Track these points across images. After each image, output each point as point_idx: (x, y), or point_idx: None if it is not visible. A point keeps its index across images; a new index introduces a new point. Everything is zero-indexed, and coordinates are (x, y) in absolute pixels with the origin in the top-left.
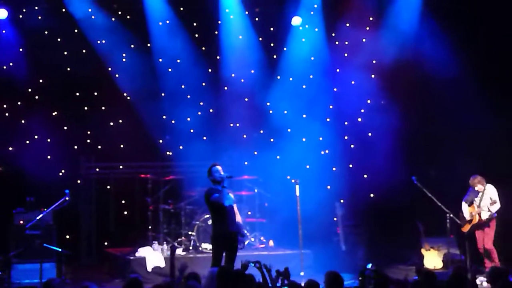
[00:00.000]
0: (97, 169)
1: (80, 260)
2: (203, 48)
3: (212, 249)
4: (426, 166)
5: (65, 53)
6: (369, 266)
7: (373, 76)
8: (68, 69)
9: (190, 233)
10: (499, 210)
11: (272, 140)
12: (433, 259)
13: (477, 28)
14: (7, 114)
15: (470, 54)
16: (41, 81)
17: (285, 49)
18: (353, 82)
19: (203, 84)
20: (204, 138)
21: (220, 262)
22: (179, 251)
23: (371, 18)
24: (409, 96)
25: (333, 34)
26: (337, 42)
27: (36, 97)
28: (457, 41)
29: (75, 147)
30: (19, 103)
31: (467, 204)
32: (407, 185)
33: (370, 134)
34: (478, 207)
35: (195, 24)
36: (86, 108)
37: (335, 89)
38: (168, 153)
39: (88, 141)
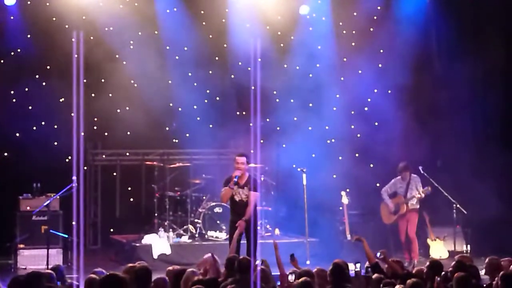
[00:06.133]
0: (104, 156)
1: (86, 247)
2: (210, 36)
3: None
4: (432, 156)
5: (73, 39)
6: (378, 254)
7: (380, 65)
8: (76, 55)
9: (196, 220)
10: None
11: (278, 128)
12: (438, 249)
13: (484, 15)
14: (14, 100)
15: (478, 42)
16: (48, 67)
17: (292, 38)
18: (360, 72)
19: (210, 72)
20: (211, 126)
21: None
22: (184, 239)
23: (379, 8)
24: (416, 85)
25: (341, 23)
26: (344, 31)
27: (44, 83)
28: (465, 29)
29: (82, 133)
30: (26, 89)
31: (387, 195)
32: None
33: (376, 124)
34: (405, 197)
35: (202, 11)
36: (93, 94)
37: (342, 78)
38: (174, 140)
39: (95, 128)
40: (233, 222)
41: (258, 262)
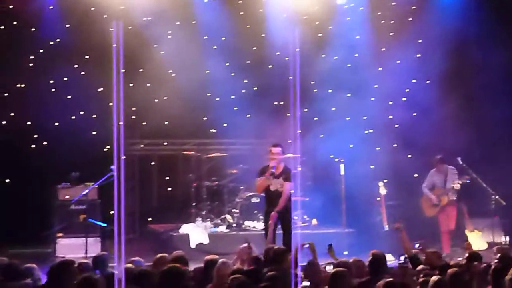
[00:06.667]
0: (141, 146)
1: (123, 236)
2: (248, 26)
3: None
4: (471, 146)
5: (111, 29)
6: (417, 245)
7: (418, 55)
8: (114, 45)
9: (233, 210)
10: None
11: (316, 119)
12: (477, 241)
13: None
14: (53, 90)
15: None
16: (87, 57)
17: (330, 27)
18: (398, 62)
19: (248, 62)
20: (248, 116)
21: None
22: (222, 228)
23: None
24: (455, 75)
25: (379, 13)
26: (382, 21)
27: (82, 73)
28: (504, 15)
29: (120, 123)
30: (65, 78)
31: (427, 189)
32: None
33: (414, 114)
34: (444, 189)
35: (240, 1)
36: (131, 84)
37: (380, 68)
38: (212, 130)
39: (133, 117)
40: (268, 212)
41: (306, 245)
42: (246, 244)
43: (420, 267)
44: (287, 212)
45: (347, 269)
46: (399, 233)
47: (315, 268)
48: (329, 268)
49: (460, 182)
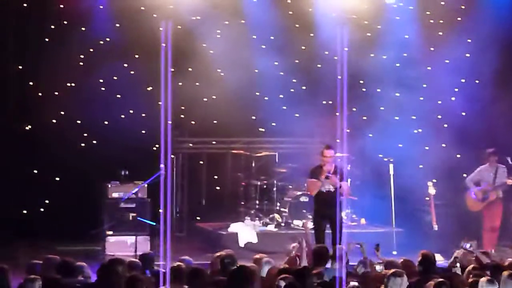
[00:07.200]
0: (190, 144)
1: (172, 234)
2: (297, 26)
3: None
4: None
5: (161, 29)
6: (468, 245)
7: (467, 55)
8: (164, 44)
9: (282, 209)
10: None
11: (364, 118)
12: None
13: None
14: (103, 89)
15: None
16: (136, 56)
17: (379, 27)
18: (447, 61)
19: (296, 61)
20: (297, 115)
21: None
22: (270, 227)
23: None
24: (504, 75)
25: (428, 12)
26: (431, 21)
27: (132, 72)
28: None
29: (169, 122)
30: (114, 77)
31: (472, 182)
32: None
33: (463, 114)
34: (493, 185)
35: (289, 1)
36: (180, 83)
37: (429, 68)
38: (260, 129)
39: (182, 116)
40: (317, 211)
41: (357, 245)
42: (297, 243)
43: (470, 267)
44: (334, 212)
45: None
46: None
47: (367, 267)
48: (379, 268)
49: None
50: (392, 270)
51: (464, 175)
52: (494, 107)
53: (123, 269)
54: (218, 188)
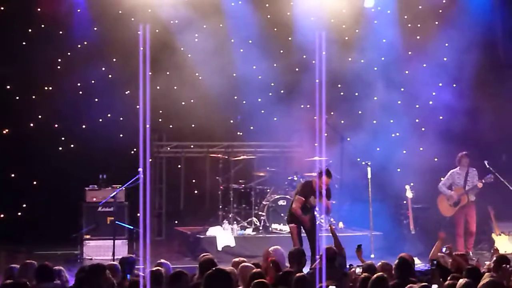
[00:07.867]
0: (168, 148)
1: (151, 238)
2: (275, 29)
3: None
4: (498, 150)
5: (139, 32)
6: (444, 249)
7: (445, 59)
8: (141, 48)
9: (260, 213)
10: None
11: (342, 122)
12: (504, 244)
13: None
14: (80, 92)
15: None
16: (114, 60)
17: (357, 31)
18: (424, 65)
19: (275, 65)
20: (275, 119)
21: None
22: (249, 231)
23: (444, 1)
24: (481, 79)
25: (406, 17)
26: (409, 25)
27: (109, 76)
28: None
29: (147, 126)
30: (92, 81)
31: (445, 187)
32: (479, 170)
33: (441, 117)
34: (464, 188)
35: (267, 5)
36: (158, 87)
37: (406, 72)
38: (238, 133)
39: (160, 120)
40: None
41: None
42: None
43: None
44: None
45: (373, 271)
46: (439, 242)
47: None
48: (358, 271)
49: (483, 181)
50: (377, 274)
51: (442, 178)
52: (472, 111)
53: (105, 274)
54: (196, 192)
